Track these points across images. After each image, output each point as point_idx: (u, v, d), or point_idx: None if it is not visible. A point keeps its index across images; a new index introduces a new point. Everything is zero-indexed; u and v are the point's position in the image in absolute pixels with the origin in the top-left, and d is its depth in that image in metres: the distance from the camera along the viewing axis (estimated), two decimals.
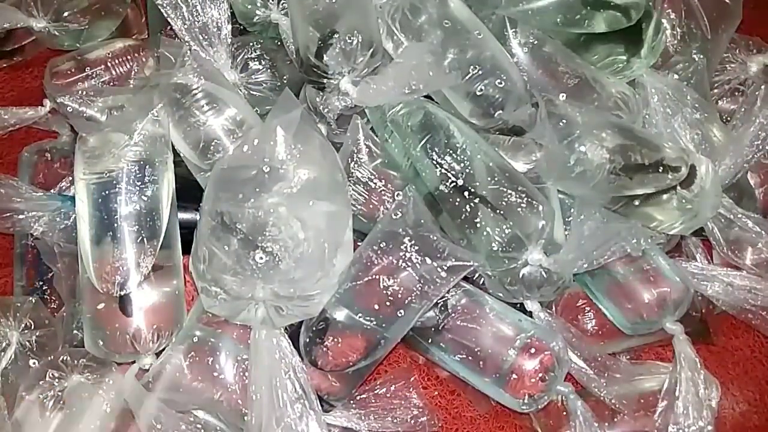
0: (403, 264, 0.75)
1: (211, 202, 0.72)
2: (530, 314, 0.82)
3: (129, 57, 0.99)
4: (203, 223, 0.72)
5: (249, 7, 0.92)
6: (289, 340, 0.72)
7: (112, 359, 0.79)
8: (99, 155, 0.79)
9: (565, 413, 0.80)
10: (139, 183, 0.78)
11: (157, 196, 0.78)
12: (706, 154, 0.86)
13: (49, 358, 0.77)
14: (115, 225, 0.77)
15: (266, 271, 0.69)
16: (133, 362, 0.78)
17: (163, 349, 0.78)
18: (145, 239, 0.77)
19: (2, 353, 0.79)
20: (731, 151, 0.87)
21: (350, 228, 0.75)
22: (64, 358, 0.76)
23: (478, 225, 0.76)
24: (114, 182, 0.78)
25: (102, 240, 0.77)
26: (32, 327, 0.81)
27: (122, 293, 0.76)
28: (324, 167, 0.74)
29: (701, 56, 0.93)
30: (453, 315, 0.78)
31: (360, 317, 0.75)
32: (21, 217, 0.85)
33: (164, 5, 0.88)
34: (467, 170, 0.78)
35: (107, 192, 0.78)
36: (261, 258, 0.69)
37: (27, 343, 0.80)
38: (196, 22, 0.89)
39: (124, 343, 0.77)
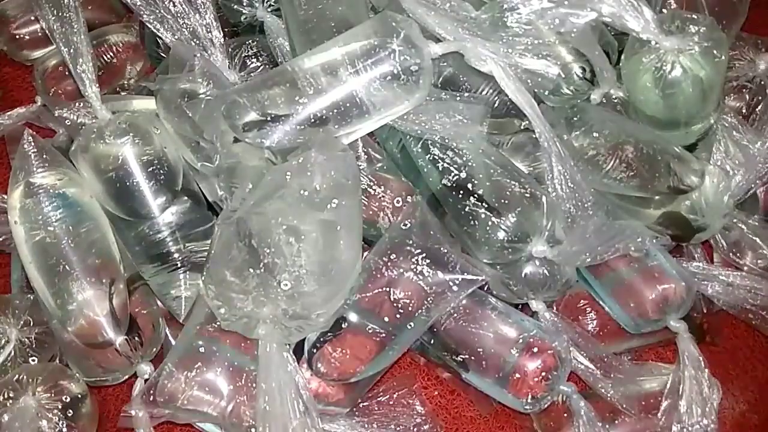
0: (414, 277, 0.75)
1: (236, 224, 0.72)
2: (534, 315, 0.82)
3: (120, 50, 1.00)
4: (216, 244, 0.72)
5: (235, 6, 0.93)
6: (293, 356, 0.72)
7: (101, 386, 0.81)
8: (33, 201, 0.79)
9: (566, 414, 0.80)
10: (70, 218, 0.79)
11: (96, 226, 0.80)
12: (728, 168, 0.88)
13: (6, 376, 0.77)
14: (63, 261, 0.77)
15: (275, 290, 0.69)
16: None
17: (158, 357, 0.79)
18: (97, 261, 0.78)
19: (1, 350, 0.79)
20: (744, 166, 0.87)
21: (360, 246, 0.75)
22: (21, 376, 0.76)
23: (483, 216, 0.76)
24: (49, 226, 0.78)
25: (54, 280, 0.77)
26: (31, 324, 0.81)
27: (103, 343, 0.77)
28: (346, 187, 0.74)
29: None
30: (455, 315, 0.78)
31: (369, 328, 0.75)
32: None
33: (151, 20, 0.89)
34: (469, 163, 0.78)
35: (44, 235, 0.78)
36: (270, 279, 0.69)
37: (26, 340, 0.81)
38: (185, 30, 0.89)
39: (100, 374, 0.79)
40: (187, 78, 0.82)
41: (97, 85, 0.84)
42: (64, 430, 0.74)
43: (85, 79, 0.83)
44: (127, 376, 0.81)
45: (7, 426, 0.73)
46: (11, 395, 0.74)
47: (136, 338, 0.78)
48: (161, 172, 0.81)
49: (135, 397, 0.76)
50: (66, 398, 0.76)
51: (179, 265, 0.81)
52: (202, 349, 0.74)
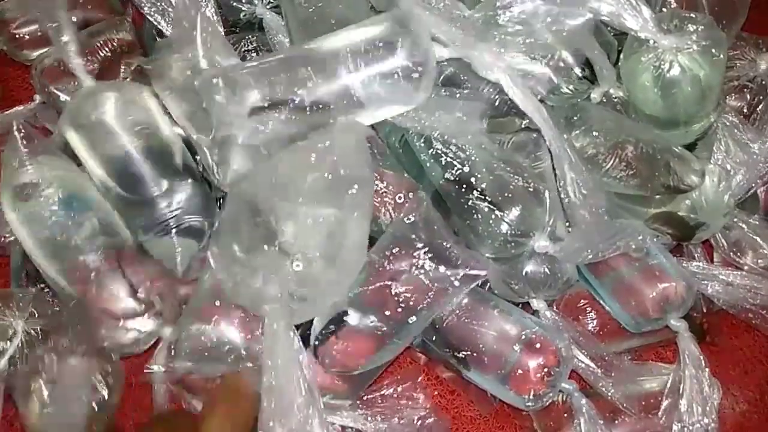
0: (416, 271, 0.75)
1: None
2: (534, 314, 0.82)
3: (116, 47, 1.00)
4: (227, 215, 0.73)
5: (234, 4, 0.94)
6: (300, 338, 0.72)
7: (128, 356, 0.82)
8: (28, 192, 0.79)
9: (566, 414, 0.80)
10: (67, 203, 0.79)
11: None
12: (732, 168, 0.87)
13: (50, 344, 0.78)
14: (67, 246, 0.78)
15: (286, 270, 0.69)
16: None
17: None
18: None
19: (9, 342, 0.79)
20: (745, 166, 0.87)
21: (366, 233, 0.75)
22: (64, 342, 0.77)
23: (486, 210, 0.76)
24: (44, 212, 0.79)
25: (64, 265, 0.79)
26: (36, 316, 0.81)
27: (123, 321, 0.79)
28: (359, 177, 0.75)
29: None
30: (457, 312, 0.78)
31: (371, 322, 0.75)
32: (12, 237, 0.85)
33: (152, 13, 0.89)
34: (472, 158, 0.78)
35: (44, 223, 0.79)
36: (280, 257, 0.69)
37: (32, 331, 0.80)
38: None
39: (125, 344, 0.80)
40: (187, 51, 0.83)
41: (81, 58, 0.86)
42: (105, 394, 0.77)
43: (69, 50, 0.84)
44: (150, 343, 0.82)
45: (63, 376, 0.76)
46: (57, 358, 0.77)
47: (155, 306, 0.79)
48: (152, 140, 0.81)
49: (156, 356, 0.79)
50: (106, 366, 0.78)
51: (174, 231, 0.80)
52: (218, 303, 0.75)
